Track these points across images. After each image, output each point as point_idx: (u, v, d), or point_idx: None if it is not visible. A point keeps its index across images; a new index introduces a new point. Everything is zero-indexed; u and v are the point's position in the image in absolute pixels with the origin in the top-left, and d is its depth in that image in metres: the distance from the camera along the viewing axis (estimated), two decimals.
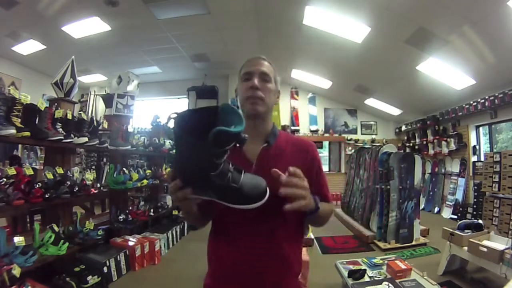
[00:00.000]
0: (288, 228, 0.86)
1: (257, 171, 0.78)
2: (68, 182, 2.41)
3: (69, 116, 2.49)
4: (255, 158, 0.84)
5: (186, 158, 0.62)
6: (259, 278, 0.82)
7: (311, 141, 0.99)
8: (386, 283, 1.95)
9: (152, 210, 3.81)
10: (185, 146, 0.61)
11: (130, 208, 3.62)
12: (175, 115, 0.60)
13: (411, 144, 7.36)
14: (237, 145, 0.59)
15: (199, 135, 0.55)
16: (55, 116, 2.35)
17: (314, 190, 0.77)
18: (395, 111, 7.55)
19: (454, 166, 5.92)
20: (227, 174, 0.63)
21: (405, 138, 7.74)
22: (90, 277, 2.30)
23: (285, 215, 0.79)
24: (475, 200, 4.97)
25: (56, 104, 2.69)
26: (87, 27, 4.68)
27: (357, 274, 2.07)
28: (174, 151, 0.66)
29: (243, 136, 0.58)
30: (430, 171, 6.59)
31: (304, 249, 2.69)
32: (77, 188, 2.43)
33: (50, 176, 2.31)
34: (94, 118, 2.96)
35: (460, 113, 5.64)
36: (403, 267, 2.10)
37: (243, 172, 0.67)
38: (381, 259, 2.36)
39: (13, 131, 1.89)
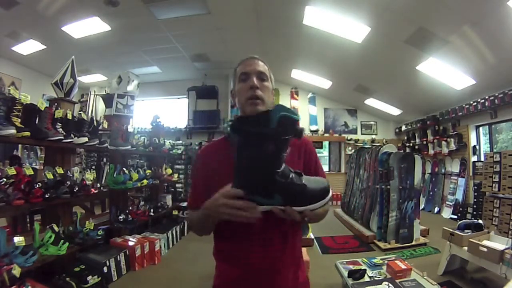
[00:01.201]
0: (294, 229, 0.89)
1: None
2: (68, 182, 2.41)
3: (69, 116, 2.49)
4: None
5: (250, 160, 0.62)
6: (272, 280, 0.83)
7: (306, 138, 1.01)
8: (386, 283, 1.95)
9: (152, 210, 3.81)
10: (249, 146, 0.62)
11: (130, 208, 3.62)
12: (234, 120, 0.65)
13: (411, 144, 7.36)
14: (297, 137, 0.62)
15: (261, 128, 0.58)
16: (55, 116, 2.36)
17: None
18: (395, 111, 7.55)
19: (454, 166, 5.92)
20: (289, 174, 0.65)
21: (405, 138, 7.74)
22: (90, 277, 2.30)
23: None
24: (475, 200, 4.97)
25: (56, 104, 2.69)
26: (87, 27, 4.68)
27: (357, 274, 2.07)
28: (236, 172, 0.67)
29: (301, 127, 0.62)
30: (430, 171, 6.59)
31: (304, 249, 2.70)
32: (77, 188, 2.43)
33: (50, 176, 2.31)
34: (94, 118, 2.96)
35: (460, 113, 5.64)
36: (403, 267, 2.10)
37: (302, 173, 0.69)
38: (381, 259, 2.36)
39: (13, 131, 1.89)
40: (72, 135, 2.43)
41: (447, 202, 5.83)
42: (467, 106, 5.40)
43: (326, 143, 8.43)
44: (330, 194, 0.69)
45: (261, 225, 0.80)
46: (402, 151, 5.99)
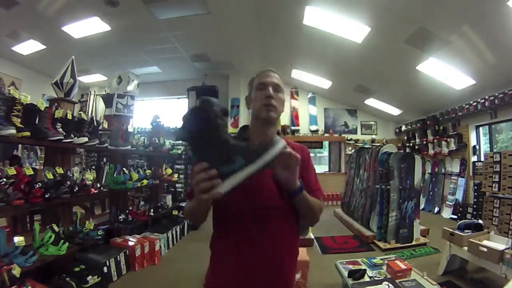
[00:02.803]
0: (287, 228, 0.94)
1: (267, 173, 0.87)
2: (68, 182, 2.41)
3: (69, 116, 2.49)
4: None
5: (200, 139, 0.69)
6: (258, 279, 0.87)
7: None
8: (386, 283, 1.96)
9: (152, 210, 3.80)
10: (194, 130, 0.68)
11: (130, 208, 3.62)
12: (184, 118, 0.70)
13: (411, 144, 7.36)
14: (225, 115, 0.70)
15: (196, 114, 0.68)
16: (55, 116, 2.35)
17: (306, 184, 0.91)
18: (395, 111, 7.55)
19: (454, 166, 5.92)
20: (228, 137, 0.70)
21: (405, 138, 7.74)
22: (90, 277, 2.30)
23: (286, 215, 0.92)
24: (475, 200, 4.97)
25: (56, 104, 2.69)
26: (87, 27, 4.68)
27: (357, 274, 2.07)
28: (192, 151, 0.72)
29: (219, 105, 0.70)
30: (430, 171, 6.59)
31: (304, 249, 2.70)
32: (77, 188, 2.43)
33: (50, 176, 2.31)
34: (94, 118, 2.96)
35: (460, 113, 5.64)
36: (403, 267, 2.10)
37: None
38: (381, 259, 2.36)
39: (13, 131, 1.89)
40: (72, 135, 2.43)
41: (447, 202, 5.83)
42: (467, 106, 5.40)
43: (326, 143, 8.42)
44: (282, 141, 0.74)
45: (251, 225, 0.87)
46: (402, 151, 5.99)
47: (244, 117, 7.77)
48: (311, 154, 1.11)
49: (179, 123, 0.71)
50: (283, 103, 1.01)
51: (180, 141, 7.09)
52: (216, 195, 0.64)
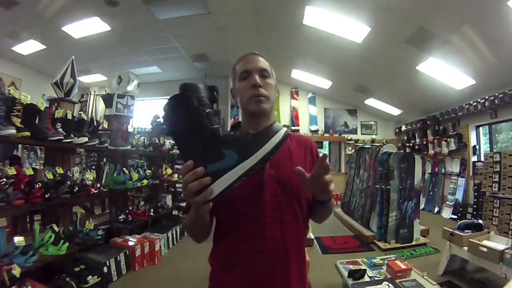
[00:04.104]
0: (297, 227, 0.82)
1: (270, 168, 0.78)
2: (68, 182, 2.40)
3: (69, 116, 2.49)
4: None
5: (181, 133, 0.60)
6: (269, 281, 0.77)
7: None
8: (386, 283, 1.96)
9: (152, 210, 3.80)
10: (173, 123, 0.60)
11: (130, 208, 3.61)
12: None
13: (411, 144, 7.36)
14: (215, 97, 0.63)
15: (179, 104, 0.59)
16: (55, 116, 2.35)
17: None
18: (395, 111, 7.55)
19: (454, 166, 5.92)
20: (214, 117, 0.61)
21: (405, 138, 7.74)
22: (90, 277, 2.30)
23: (297, 215, 0.80)
24: (475, 200, 4.97)
25: (56, 104, 2.69)
26: (87, 27, 4.68)
27: (357, 274, 2.07)
28: (176, 147, 0.63)
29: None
30: (430, 171, 6.59)
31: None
32: (77, 188, 2.42)
33: (50, 176, 2.31)
34: (94, 118, 2.96)
35: (460, 113, 5.64)
36: (403, 267, 2.10)
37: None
38: (381, 259, 2.36)
39: (13, 131, 1.89)
40: (72, 135, 2.42)
41: (447, 202, 5.83)
42: (467, 106, 5.40)
43: (326, 143, 8.42)
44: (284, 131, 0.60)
45: (260, 224, 0.76)
46: (402, 151, 5.99)
47: None
48: None
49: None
50: (274, 89, 0.87)
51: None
52: (207, 195, 0.55)
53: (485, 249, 2.27)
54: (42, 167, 3.30)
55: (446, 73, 4.82)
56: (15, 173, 1.97)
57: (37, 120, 2.19)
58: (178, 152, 6.07)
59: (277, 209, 0.77)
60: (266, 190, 0.77)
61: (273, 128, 0.58)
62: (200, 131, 0.57)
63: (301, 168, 0.67)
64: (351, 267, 2.22)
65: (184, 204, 4.76)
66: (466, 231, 2.66)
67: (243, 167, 0.55)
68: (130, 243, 3.02)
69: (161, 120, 4.98)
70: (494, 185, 4.07)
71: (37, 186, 2.14)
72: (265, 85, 0.83)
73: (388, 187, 3.87)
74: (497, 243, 2.38)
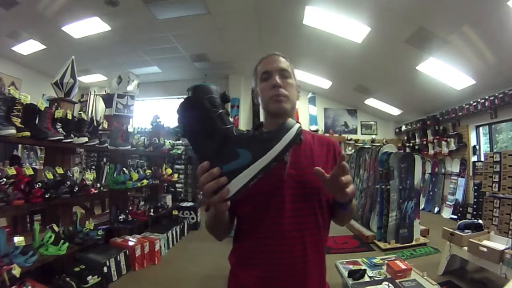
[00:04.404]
0: (317, 228, 0.81)
1: (292, 168, 0.79)
2: (68, 182, 2.40)
3: (69, 116, 2.49)
4: (288, 155, 0.80)
5: (195, 134, 0.61)
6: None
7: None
8: (386, 283, 1.95)
9: (152, 210, 3.80)
10: (187, 124, 0.61)
11: (130, 208, 3.62)
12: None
13: (411, 144, 7.36)
14: (226, 102, 0.61)
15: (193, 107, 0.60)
16: (55, 116, 2.35)
17: None
18: (395, 111, 7.55)
19: (454, 166, 5.92)
20: (226, 117, 0.61)
21: (405, 138, 7.74)
22: (90, 277, 2.30)
23: (316, 216, 0.80)
24: (475, 200, 4.97)
25: (56, 104, 2.69)
26: (87, 27, 4.69)
27: (357, 274, 2.07)
28: (191, 148, 0.63)
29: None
30: (430, 171, 6.59)
31: None
32: (77, 188, 2.42)
33: (50, 176, 2.31)
34: (94, 118, 2.96)
35: (460, 113, 5.64)
36: (403, 267, 2.10)
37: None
38: (381, 259, 2.35)
39: (13, 131, 1.89)
40: (72, 135, 2.42)
41: (447, 202, 5.83)
42: (467, 106, 5.40)
43: None
44: (297, 125, 0.59)
45: (282, 226, 0.76)
46: (402, 151, 5.99)
47: (244, 117, 7.78)
48: None
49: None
50: (295, 88, 0.88)
51: (180, 141, 7.14)
52: (224, 194, 0.55)
53: (485, 249, 2.27)
54: (42, 167, 3.30)
55: (446, 73, 4.82)
56: (15, 173, 1.97)
57: (37, 120, 2.19)
58: (180, 153, 6.09)
59: (295, 210, 0.77)
60: (286, 190, 0.77)
61: (286, 124, 0.59)
62: (214, 132, 0.59)
63: (321, 169, 0.68)
64: (351, 267, 2.21)
65: (184, 204, 4.78)
66: (466, 231, 2.66)
67: (258, 166, 0.56)
68: (130, 243, 3.02)
69: (161, 120, 4.99)
70: (494, 185, 4.07)
71: (37, 186, 2.14)
72: (285, 85, 0.84)
73: (388, 187, 3.86)
74: (497, 243, 2.38)
